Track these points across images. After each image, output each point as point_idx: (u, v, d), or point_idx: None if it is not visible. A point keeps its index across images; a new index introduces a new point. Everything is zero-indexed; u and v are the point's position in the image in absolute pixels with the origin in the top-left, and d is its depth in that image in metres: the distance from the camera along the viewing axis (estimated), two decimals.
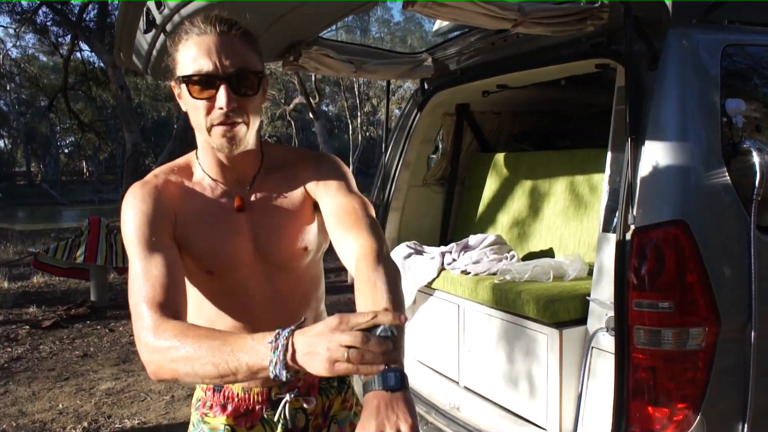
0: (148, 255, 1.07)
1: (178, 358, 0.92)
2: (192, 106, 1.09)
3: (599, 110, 3.15)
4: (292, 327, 0.87)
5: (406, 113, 3.05)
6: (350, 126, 31.68)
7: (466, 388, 2.49)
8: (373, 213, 1.19)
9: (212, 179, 1.20)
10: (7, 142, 46.41)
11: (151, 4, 1.73)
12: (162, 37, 1.88)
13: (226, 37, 1.07)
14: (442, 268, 2.66)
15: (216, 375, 0.90)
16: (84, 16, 14.67)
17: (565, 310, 2.07)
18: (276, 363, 0.84)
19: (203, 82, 1.06)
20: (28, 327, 5.44)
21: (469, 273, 2.53)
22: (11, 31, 18.29)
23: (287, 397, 1.25)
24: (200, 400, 1.29)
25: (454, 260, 2.66)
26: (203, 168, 1.20)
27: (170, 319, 0.99)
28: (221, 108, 1.06)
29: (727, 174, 1.70)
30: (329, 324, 0.83)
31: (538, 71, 2.41)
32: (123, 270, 6.33)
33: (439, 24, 2.90)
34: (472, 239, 2.73)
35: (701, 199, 1.67)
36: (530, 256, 2.76)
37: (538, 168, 2.97)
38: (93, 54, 15.98)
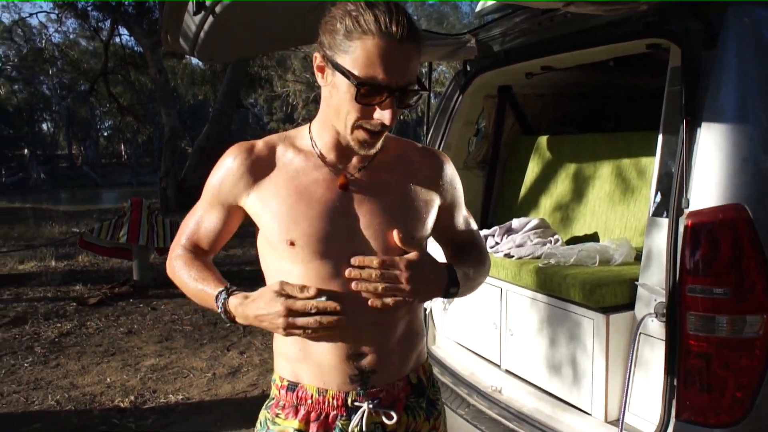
0: (209, 208, 1.25)
1: (179, 281, 1.27)
2: (345, 100, 1.06)
3: (647, 92, 3.07)
4: (225, 292, 1.16)
5: (448, 95, 3.02)
6: None
7: (507, 371, 2.49)
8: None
9: (320, 153, 1.17)
10: (49, 125, 47.71)
11: None
12: (211, 18, 1.90)
13: (407, 47, 1.02)
14: None
15: (199, 304, 1.25)
16: (123, 1, 14.91)
17: (611, 295, 2.04)
18: (225, 320, 1.17)
19: (373, 91, 1.03)
20: (75, 304, 5.63)
21: (512, 256, 2.51)
22: (53, 16, 18.71)
23: (365, 406, 1.15)
24: (274, 399, 1.22)
25: (497, 243, 2.65)
26: (315, 142, 1.18)
27: (192, 252, 1.27)
28: (382, 121, 1.06)
29: None
30: (271, 288, 1.10)
31: (585, 52, 2.35)
32: (164, 250, 6.49)
33: (482, 5, 2.85)
34: (516, 222, 2.71)
35: (760, 183, 1.62)
36: (574, 241, 2.73)
37: (583, 151, 2.92)
38: (132, 38, 16.25)
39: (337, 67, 1.04)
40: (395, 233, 1.14)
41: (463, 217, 1.36)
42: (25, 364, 4.16)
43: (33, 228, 10.75)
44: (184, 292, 1.27)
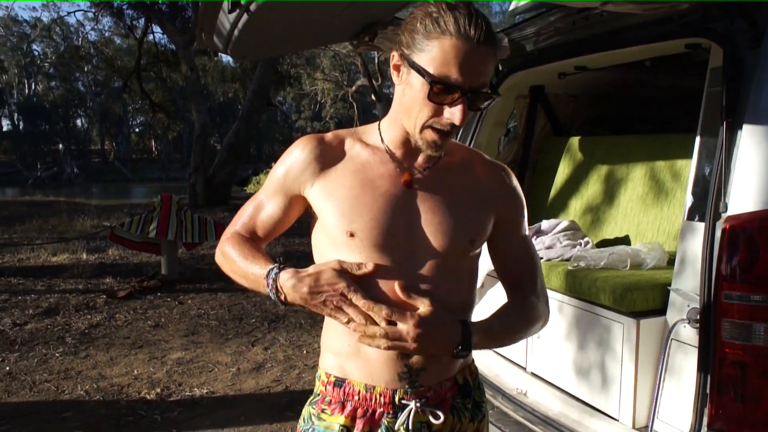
0: (271, 196, 1.25)
1: (227, 261, 1.24)
2: (419, 99, 1.07)
3: (684, 93, 3.00)
4: (277, 267, 1.13)
5: None
6: None
7: (533, 374, 2.45)
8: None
9: (389, 150, 1.19)
10: (84, 121, 48.84)
11: None
12: (245, 16, 1.91)
13: (483, 50, 1.04)
14: None
15: (247, 287, 1.22)
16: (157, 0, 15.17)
17: (643, 300, 2.00)
18: (274, 299, 1.13)
19: (447, 89, 1.05)
20: (104, 296, 5.74)
21: (541, 258, 2.48)
22: (90, 15, 19.12)
23: (413, 404, 1.14)
24: (319, 395, 1.22)
25: None
26: (383, 138, 1.20)
27: (244, 236, 1.26)
28: (452, 121, 1.07)
29: None
30: (328, 264, 1.11)
31: (621, 52, 2.31)
32: (191, 245, 6.58)
33: (516, 4, 2.82)
34: (545, 224, 2.67)
35: None
36: (605, 244, 2.68)
37: (616, 153, 2.86)
38: (164, 36, 16.52)
39: (413, 66, 1.06)
40: (448, 240, 1.16)
41: (520, 241, 1.28)
42: (57, 354, 4.25)
43: (66, 221, 10.99)
44: (232, 276, 1.24)
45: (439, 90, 1.04)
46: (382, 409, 1.15)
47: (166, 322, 5.07)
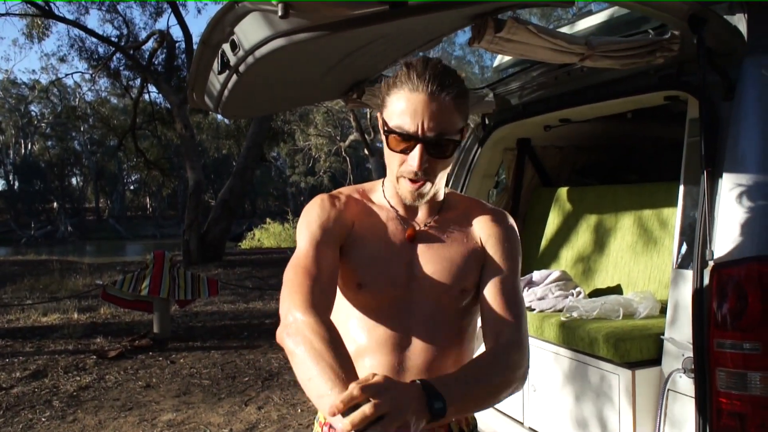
0: (318, 248, 1.17)
1: (294, 358, 1.03)
2: (388, 152, 1.17)
3: (667, 143, 3.07)
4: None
5: (467, 148, 3.05)
6: None
7: (530, 429, 2.40)
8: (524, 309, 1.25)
9: (392, 207, 1.27)
10: (79, 179, 49.07)
11: (227, 46, 1.81)
12: (234, 77, 1.96)
13: (437, 99, 1.11)
14: None
15: (306, 391, 1.01)
16: (153, 60, 15.53)
17: (637, 350, 1.99)
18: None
19: (403, 138, 1.12)
20: (95, 357, 5.62)
21: (533, 309, 2.47)
22: (87, 76, 19.53)
23: None
24: None
25: None
26: (386, 196, 1.28)
27: (314, 314, 1.06)
28: (412, 168, 1.13)
29: None
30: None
31: (603, 105, 2.37)
32: (184, 303, 6.51)
33: (500, 60, 2.91)
34: (536, 275, 2.67)
35: None
36: (597, 293, 2.68)
37: (604, 202, 2.90)
38: (160, 95, 16.83)
39: (383, 123, 1.17)
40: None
41: (503, 286, 1.21)
42: (43, 419, 4.13)
43: (58, 280, 10.88)
44: (296, 374, 1.03)
45: (396, 140, 1.13)
46: None
47: (157, 382, 4.95)
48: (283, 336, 1.08)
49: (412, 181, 1.15)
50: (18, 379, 4.98)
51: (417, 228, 1.25)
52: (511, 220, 1.32)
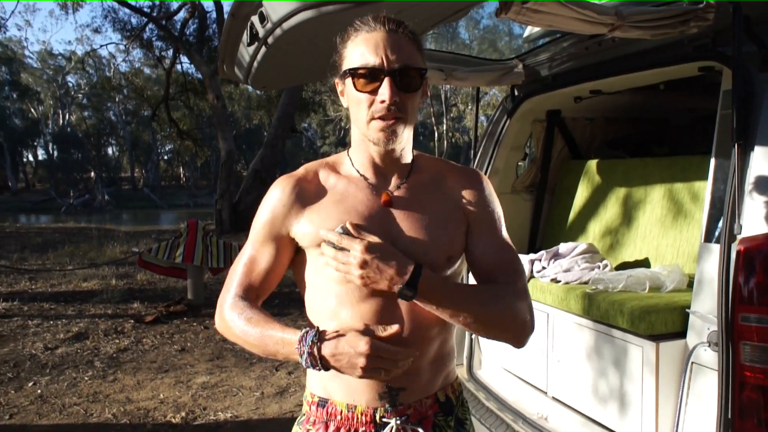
0: (261, 246, 1.24)
1: (237, 331, 1.17)
2: (355, 99, 1.15)
3: (701, 115, 3.00)
4: (314, 335, 1.08)
5: (495, 120, 3.03)
6: (435, 133, 31.64)
7: (554, 398, 2.44)
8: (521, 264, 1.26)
9: (361, 175, 1.22)
10: (114, 149, 50.09)
11: (255, 19, 1.83)
12: (263, 48, 1.99)
13: (394, 35, 1.13)
14: (531, 276, 2.63)
15: (261, 354, 1.16)
16: (185, 31, 15.62)
17: (662, 323, 1.99)
18: (306, 365, 1.09)
19: (369, 76, 1.12)
20: (132, 321, 5.84)
21: (559, 281, 2.48)
22: (121, 47, 19.78)
23: (393, 422, 1.16)
24: (305, 415, 1.26)
25: (543, 268, 2.62)
26: (354, 164, 1.24)
27: (246, 300, 1.20)
28: (383, 101, 1.11)
29: None
30: (352, 327, 1.07)
31: (635, 76, 2.33)
32: (217, 270, 6.67)
33: (530, 30, 2.87)
34: (563, 247, 2.67)
35: None
36: (624, 266, 2.67)
37: (634, 175, 2.86)
38: (192, 66, 16.97)
39: (343, 74, 1.17)
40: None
41: (494, 244, 1.23)
42: (86, 378, 4.34)
43: (96, 247, 11.24)
44: (240, 343, 1.19)
45: (362, 75, 1.12)
46: (364, 428, 1.18)
47: (191, 346, 5.13)
48: (216, 321, 1.23)
49: (384, 119, 1.12)
50: (62, 340, 5.22)
51: (390, 194, 1.20)
52: (485, 178, 1.30)
